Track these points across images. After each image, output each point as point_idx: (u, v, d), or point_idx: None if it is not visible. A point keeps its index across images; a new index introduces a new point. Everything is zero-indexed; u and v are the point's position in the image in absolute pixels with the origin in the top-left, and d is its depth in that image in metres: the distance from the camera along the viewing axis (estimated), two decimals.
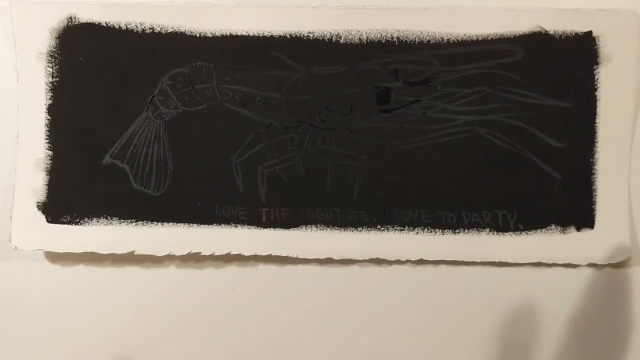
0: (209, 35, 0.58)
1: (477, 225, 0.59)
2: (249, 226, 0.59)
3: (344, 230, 0.59)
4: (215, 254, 0.60)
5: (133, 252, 0.59)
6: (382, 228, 0.59)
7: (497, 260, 0.59)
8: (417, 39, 0.58)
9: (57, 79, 0.59)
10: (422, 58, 0.58)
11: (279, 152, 0.59)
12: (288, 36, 0.58)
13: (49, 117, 0.59)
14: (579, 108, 0.58)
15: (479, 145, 0.58)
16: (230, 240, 0.59)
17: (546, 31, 0.58)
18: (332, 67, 0.58)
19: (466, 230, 0.59)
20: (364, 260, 0.60)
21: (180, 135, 0.59)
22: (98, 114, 0.59)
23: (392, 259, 0.60)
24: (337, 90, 0.59)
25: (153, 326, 0.62)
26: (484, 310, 0.61)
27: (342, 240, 0.59)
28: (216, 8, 0.58)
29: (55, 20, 0.58)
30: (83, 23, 0.58)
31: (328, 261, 0.60)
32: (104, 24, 0.58)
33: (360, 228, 0.59)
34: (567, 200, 0.59)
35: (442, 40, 0.58)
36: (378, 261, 0.60)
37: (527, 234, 0.59)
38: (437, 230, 0.59)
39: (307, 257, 0.60)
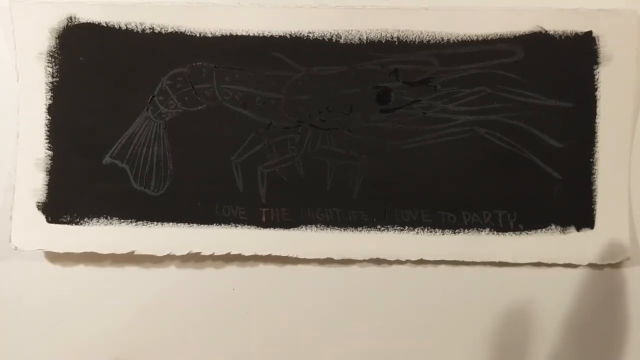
0: (209, 35, 0.58)
1: (477, 225, 0.59)
2: (249, 226, 0.59)
3: (344, 230, 0.59)
4: (215, 254, 0.60)
5: (133, 252, 0.59)
6: (382, 228, 0.59)
7: (497, 260, 0.59)
8: (417, 39, 0.58)
9: (57, 79, 0.59)
10: (422, 58, 0.58)
11: (279, 152, 0.59)
12: (288, 36, 0.58)
13: (49, 117, 0.59)
14: (579, 108, 0.58)
15: (479, 145, 0.58)
16: (230, 240, 0.59)
17: (546, 31, 0.58)
18: (332, 67, 0.58)
19: (466, 230, 0.59)
20: (364, 260, 0.60)
21: (180, 135, 0.59)
22: (98, 114, 0.59)
23: (392, 259, 0.60)
24: (337, 90, 0.59)
25: (153, 326, 0.62)
26: (484, 310, 0.61)
27: (342, 240, 0.59)
28: (216, 8, 0.58)
29: (55, 20, 0.58)
30: (83, 23, 0.58)
31: (328, 261, 0.60)
32: (104, 24, 0.58)
33: (360, 228, 0.59)
34: (567, 200, 0.59)
35: (442, 40, 0.58)
36: (378, 261, 0.60)
37: (527, 234, 0.59)
38: (437, 230, 0.59)
39: (307, 257, 0.60)
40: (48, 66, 0.58)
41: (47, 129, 0.59)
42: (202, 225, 0.59)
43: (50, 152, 0.59)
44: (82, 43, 0.58)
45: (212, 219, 0.59)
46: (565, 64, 0.58)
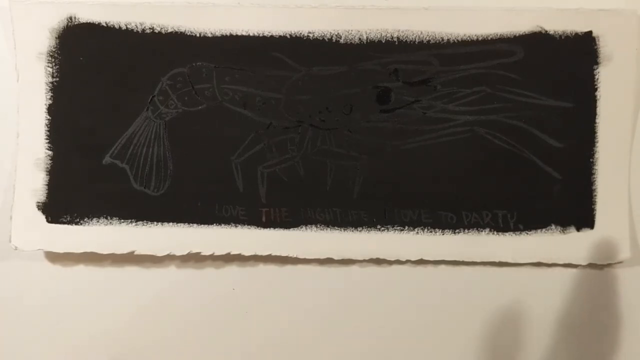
0: (209, 35, 0.58)
1: (477, 225, 0.59)
2: (249, 226, 0.59)
3: (344, 230, 0.59)
4: (215, 254, 0.60)
5: (133, 252, 0.59)
6: (382, 228, 0.59)
7: (497, 260, 0.59)
8: (417, 39, 0.58)
9: (57, 79, 0.59)
10: (422, 58, 0.58)
11: (279, 152, 0.59)
12: (288, 36, 0.58)
13: (49, 117, 0.59)
14: (579, 108, 0.58)
15: (479, 145, 0.58)
16: (230, 240, 0.59)
17: (546, 31, 0.58)
18: (332, 67, 0.58)
19: (466, 230, 0.59)
20: (364, 260, 0.60)
21: (180, 135, 0.59)
22: (98, 114, 0.59)
23: (392, 259, 0.60)
24: (337, 90, 0.59)
25: (153, 326, 0.62)
26: (484, 310, 0.61)
27: (342, 240, 0.59)
28: (216, 8, 0.58)
29: (55, 20, 0.58)
30: (83, 23, 0.58)
31: (328, 261, 0.60)
32: (104, 24, 0.58)
33: (360, 228, 0.59)
34: (567, 200, 0.59)
35: (442, 40, 0.58)
36: (378, 261, 0.60)
37: (527, 234, 0.59)
38: (437, 230, 0.59)
39: (307, 257, 0.60)
40: (48, 66, 0.58)
41: (47, 129, 0.59)
42: (202, 225, 0.59)
43: (50, 152, 0.59)
44: (82, 43, 0.58)
45: (212, 219, 0.59)
46: (565, 64, 0.58)
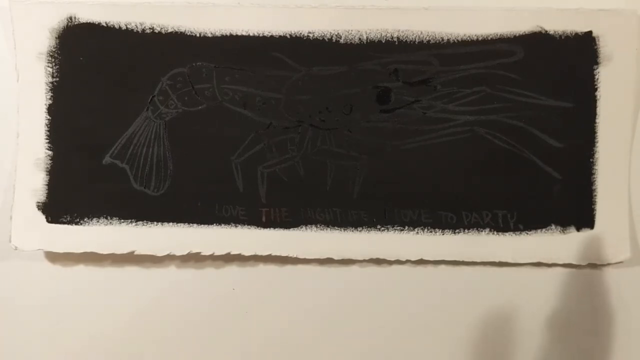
0: (209, 35, 0.58)
1: (477, 225, 0.59)
2: (249, 226, 0.59)
3: (344, 230, 0.59)
4: (215, 254, 0.60)
5: (133, 252, 0.59)
6: (382, 228, 0.59)
7: (497, 260, 0.59)
8: (417, 39, 0.58)
9: (57, 79, 0.59)
10: (422, 58, 0.58)
11: (279, 152, 0.59)
12: (288, 36, 0.58)
13: (49, 117, 0.59)
14: (579, 108, 0.58)
15: (479, 145, 0.58)
16: (230, 240, 0.59)
17: (546, 31, 0.58)
18: (332, 67, 0.58)
19: (466, 230, 0.59)
20: (364, 260, 0.60)
21: (180, 135, 0.59)
22: (98, 114, 0.59)
23: (392, 259, 0.60)
24: (337, 90, 0.59)
25: (153, 326, 0.62)
26: (484, 310, 0.61)
27: (342, 240, 0.59)
28: (216, 8, 0.58)
29: (55, 20, 0.58)
30: (83, 23, 0.58)
31: (328, 261, 0.60)
32: (104, 24, 0.58)
33: (360, 228, 0.59)
34: (567, 200, 0.59)
35: (442, 40, 0.58)
36: (378, 261, 0.60)
37: (527, 234, 0.59)
38: (437, 230, 0.59)
39: (307, 257, 0.60)
40: (48, 66, 0.58)
41: (47, 129, 0.59)
42: (202, 225, 0.59)
43: (50, 152, 0.59)
44: (82, 43, 0.58)
45: (212, 219, 0.59)
46: (565, 64, 0.58)
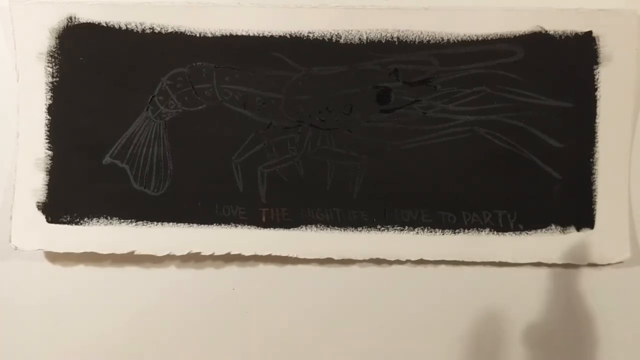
0: (209, 35, 0.58)
1: (477, 225, 0.59)
2: (249, 226, 0.59)
3: (344, 230, 0.59)
4: (215, 254, 0.60)
5: (133, 252, 0.59)
6: (382, 228, 0.59)
7: (497, 260, 0.59)
8: (417, 39, 0.58)
9: (57, 79, 0.59)
10: (422, 58, 0.58)
11: (279, 152, 0.59)
12: (288, 36, 0.58)
13: (49, 117, 0.59)
14: (579, 108, 0.58)
15: (479, 145, 0.58)
16: (230, 240, 0.59)
17: (546, 31, 0.58)
18: (332, 67, 0.58)
19: (466, 230, 0.59)
20: (364, 260, 0.60)
21: (180, 135, 0.59)
22: (98, 114, 0.59)
23: (392, 259, 0.60)
24: (337, 90, 0.59)
25: (153, 326, 0.62)
26: (484, 310, 0.61)
27: (342, 240, 0.59)
28: (216, 8, 0.58)
29: (55, 20, 0.58)
30: (83, 23, 0.58)
31: (328, 261, 0.60)
32: (104, 24, 0.58)
33: (360, 228, 0.59)
34: (567, 200, 0.59)
35: (442, 40, 0.58)
36: (378, 261, 0.60)
37: (527, 234, 0.59)
38: (437, 230, 0.59)
39: (307, 257, 0.60)
40: (48, 66, 0.58)
41: (47, 129, 0.59)
42: (202, 225, 0.59)
43: (50, 152, 0.59)
44: (82, 43, 0.58)
45: (212, 219, 0.59)
46: (565, 64, 0.58)
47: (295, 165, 0.59)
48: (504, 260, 0.59)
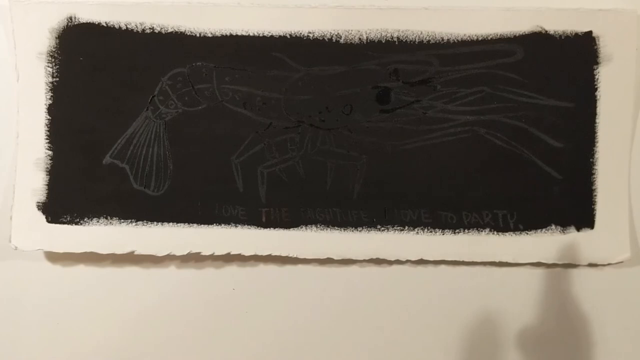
0: (209, 35, 0.58)
1: (477, 225, 0.59)
2: (249, 226, 0.59)
3: (344, 230, 0.59)
4: (215, 254, 0.60)
5: (133, 252, 0.59)
6: (382, 228, 0.59)
7: (497, 260, 0.59)
8: (417, 39, 0.58)
9: (57, 79, 0.59)
10: (422, 58, 0.58)
11: (279, 152, 0.59)
12: (288, 36, 0.58)
13: (49, 117, 0.59)
14: (579, 108, 0.58)
15: (479, 145, 0.58)
16: (230, 240, 0.59)
17: (546, 31, 0.58)
18: (332, 67, 0.58)
19: (466, 230, 0.59)
20: (364, 260, 0.60)
21: (180, 135, 0.59)
22: (98, 114, 0.59)
23: (392, 259, 0.60)
24: (337, 90, 0.59)
25: (153, 326, 0.62)
26: (484, 310, 0.61)
27: (342, 240, 0.59)
28: (216, 8, 0.58)
29: (55, 20, 0.58)
30: (83, 23, 0.58)
31: (328, 261, 0.60)
32: (104, 24, 0.58)
33: (360, 228, 0.59)
34: (567, 200, 0.59)
35: (442, 40, 0.58)
36: (378, 261, 0.60)
37: (527, 234, 0.59)
38: (437, 230, 0.59)
39: (307, 257, 0.60)
40: (48, 66, 0.58)
41: (47, 129, 0.59)
42: (202, 225, 0.59)
43: (50, 152, 0.59)
44: (82, 43, 0.58)
45: (212, 219, 0.59)
46: (565, 64, 0.58)
47: (295, 165, 0.59)
48: (504, 260, 0.59)
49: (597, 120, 0.58)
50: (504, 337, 0.61)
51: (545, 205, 0.59)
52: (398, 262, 0.60)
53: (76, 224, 0.59)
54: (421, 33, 0.58)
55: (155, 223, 0.59)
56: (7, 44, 0.60)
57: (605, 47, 0.57)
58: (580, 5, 0.57)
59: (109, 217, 0.59)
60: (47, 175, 0.59)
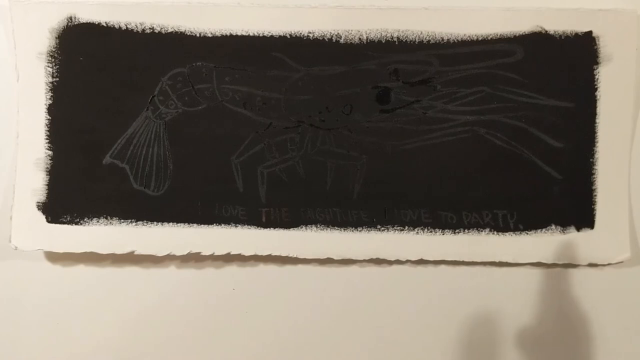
0: (209, 35, 0.58)
1: (477, 225, 0.59)
2: (249, 226, 0.59)
3: (344, 230, 0.59)
4: (215, 254, 0.60)
5: (133, 252, 0.59)
6: (382, 228, 0.59)
7: (497, 260, 0.59)
8: (417, 39, 0.58)
9: (57, 79, 0.59)
10: (422, 58, 0.58)
11: (279, 152, 0.59)
12: (288, 36, 0.58)
13: (49, 117, 0.59)
14: (579, 108, 0.58)
15: (479, 145, 0.58)
16: (230, 240, 0.59)
17: (546, 31, 0.58)
18: (332, 67, 0.58)
19: (466, 230, 0.59)
20: (364, 260, 0.60)
21: (180, 135, 0.59)
22: (98, 114, 0.59)
23: (392, 259, 0.60)
24: (337, 90, 0.59)
25: (153, 326, 0.62)
26: (484, 310, 0.61)
27: (342, 240, 0.59)
28: (216, 8, 0.58)
29: (55, 20, 0.58)
30: (83, 23, 0.58)
31: (328, 261, 0.60)
32: (104, 24, 0.58)
33: (360, 228, 0.59)
34: (567, 200, 0.59)
35: (442, 40, 0.58)
36: (378, 261, 0.60)
37: (527, 234, 0.59)
38: (437, 230, 0.59)
39: (307, 257, 0.60)
40: (48, 66, 0.58)
41: (47, 129, 0.59)
42: (202, 225, 0.59)
43: (50, 152, 0.59)
44: (82, 43, 0.58)
45: (212, 219, 0.59)
46: (565, 64, 0.58)
47: (295, 165, 0.59)
48: (504, 260, 0.59)
49: (597, 120, 0.58)
50: (504, 337, 0.61)
51: (545, 205, 0.59)
52: (398, 262, 0.60)
53: (76, 224, 0.59)
54: (421, 33, 0.58)
55: (155, 223, 0.59)
56: (7, 44, 0.60)
57: (605, 47, 0.57)
58: (580, 5, 0.57)
59: (109, 217, 0.59)
60: (47, 175, 0.59)
